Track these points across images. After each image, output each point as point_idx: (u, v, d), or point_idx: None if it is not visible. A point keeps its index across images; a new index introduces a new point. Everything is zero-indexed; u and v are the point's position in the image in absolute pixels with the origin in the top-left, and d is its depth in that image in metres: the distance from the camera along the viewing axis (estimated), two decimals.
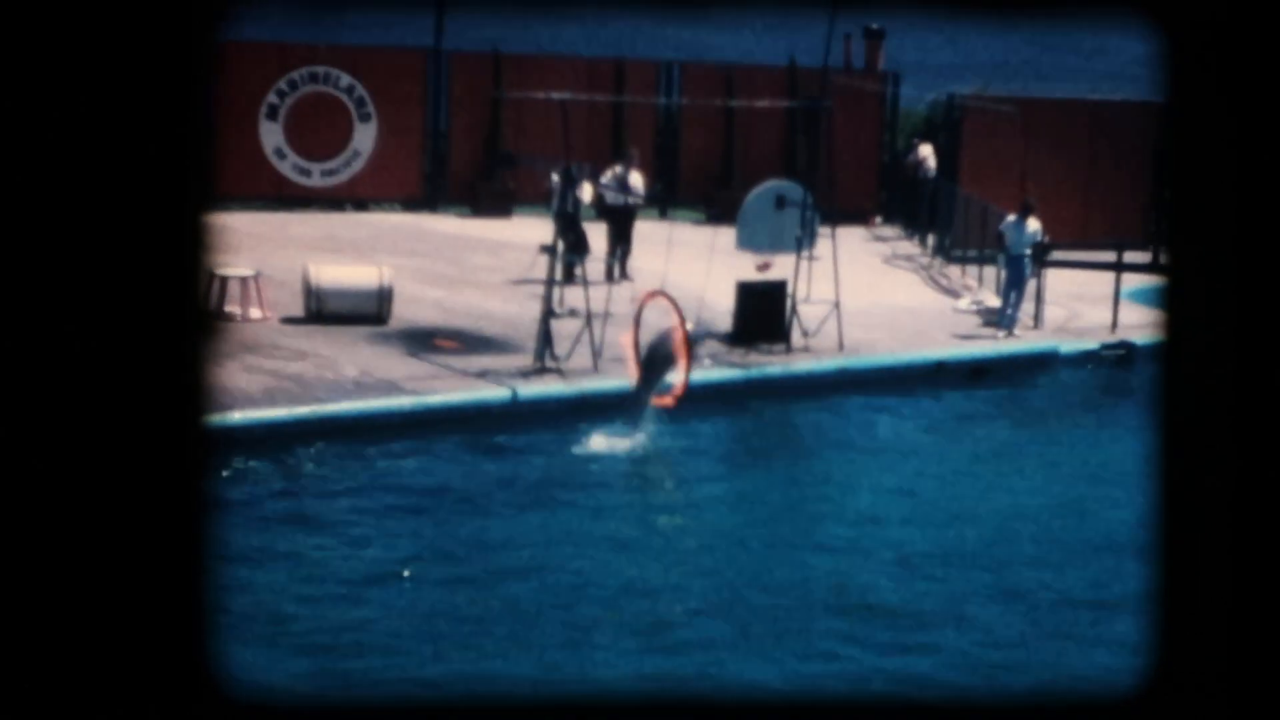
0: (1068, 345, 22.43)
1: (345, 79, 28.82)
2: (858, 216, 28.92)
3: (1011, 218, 22.75)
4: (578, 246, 20.84)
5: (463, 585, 13.43)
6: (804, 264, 21.00)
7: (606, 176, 24.19)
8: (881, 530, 15.25)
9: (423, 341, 20.05)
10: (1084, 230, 27.06)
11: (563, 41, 40.68)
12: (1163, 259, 25.16)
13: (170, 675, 3.67)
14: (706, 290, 19.47)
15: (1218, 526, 3.73)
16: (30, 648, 3.63)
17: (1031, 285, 22.71)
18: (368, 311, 20.56)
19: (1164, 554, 3.78)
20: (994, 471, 17.50)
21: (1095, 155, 28.85)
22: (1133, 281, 23.50)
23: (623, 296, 19.93)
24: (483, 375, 18.76)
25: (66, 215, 3.64)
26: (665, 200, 29.37)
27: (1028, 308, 22.71)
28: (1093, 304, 23.75)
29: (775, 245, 20.94)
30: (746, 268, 20.84)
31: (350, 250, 24.79)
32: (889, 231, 29.87)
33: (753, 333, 20.57)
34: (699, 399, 17.98)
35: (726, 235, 21.17)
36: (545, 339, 18.93)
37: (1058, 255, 23.85)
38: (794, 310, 20.79)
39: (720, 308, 20.41)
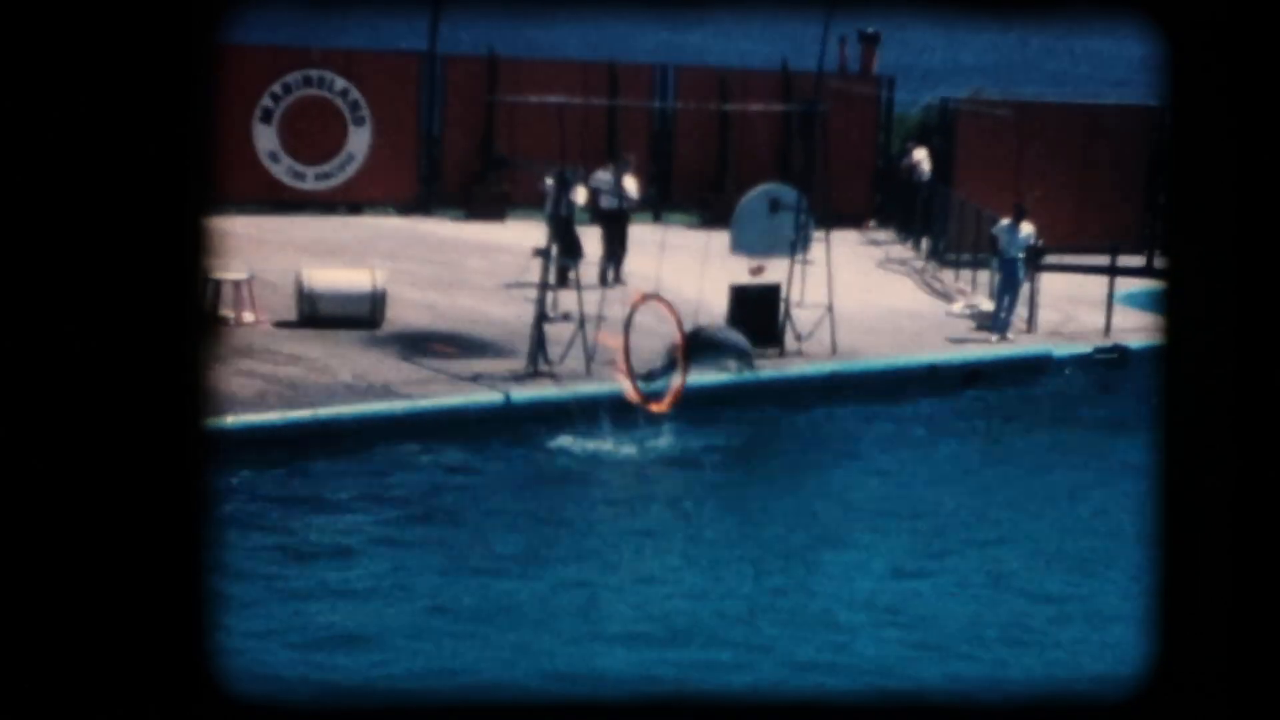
0: (1061, 349, 22.44)
1: (340, 82, 28.79)
2: (852, 220, 28.91)
3: (1005, 221, 22.76)
4: (571, 250, 20.83)
5: (457, 587, 13.45)
6: (798, 268, 21.00)
7: (596, 177, 24.16)
8: (880, 533, 15.25)
9: (416, 345, 20.02)
10: (1078, 234, 27.07)
11: (557, 45, 40.69)
12: (1157, 263, 25.26)
13: (170, 675, 3.67)
14: (702, 293, 19.46)
15: (1218, 527, 3.73)
16: (31, 648, 3.63)
17: (1025, 289, 22.73)
18: (361, 315, 20.52)
19: (1164, 554, 3.79)
20: (990, 473, 17.51)
21: (1089, 159, 28.85)
22: (1127, 285, 23.53)
23: (616, 300, 19.92)
24: (476, 379, 18.75)
25: (67, 216, 3.64)
26: (659, 204, 29.35)
27: (1021, 311, 22.72)
28: (1087, 308, 23.77)
29: (769, 249, 20.92)
30: (740, 271, 20.83)
31: (344, 254, 24.75)
32: (883, 235, 29.87)
33: (746, 336, 20.55)
34: (692, 403, 17.98)
35: (721, 239, 21.16)
36: (538, 343, 18.93)
37: (1051, 259, 23.86)
38: (788, 314, 20.80)
39: (714, 311, 20.40)
